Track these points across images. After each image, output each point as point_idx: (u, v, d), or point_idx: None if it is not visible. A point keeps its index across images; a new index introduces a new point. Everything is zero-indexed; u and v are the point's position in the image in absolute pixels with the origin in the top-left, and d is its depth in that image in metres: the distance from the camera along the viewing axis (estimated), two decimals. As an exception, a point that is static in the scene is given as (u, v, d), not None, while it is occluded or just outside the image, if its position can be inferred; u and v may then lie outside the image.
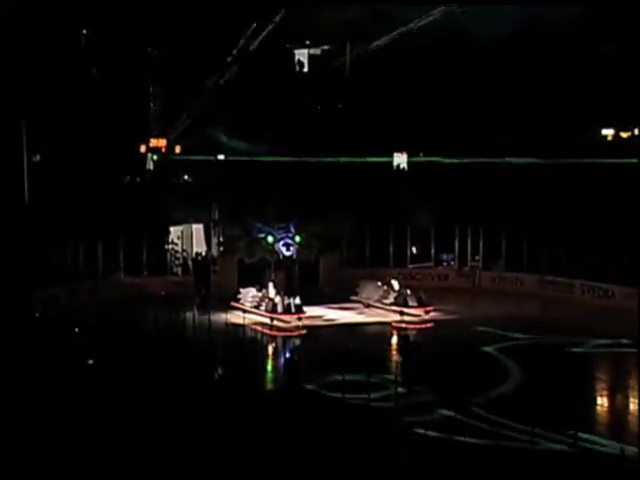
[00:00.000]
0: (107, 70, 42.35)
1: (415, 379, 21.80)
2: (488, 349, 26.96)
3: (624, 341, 26.55)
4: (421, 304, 32.05)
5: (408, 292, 32.46)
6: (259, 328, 30.07)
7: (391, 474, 15.81)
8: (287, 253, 36.73)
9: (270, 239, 36.59)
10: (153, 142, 43.67)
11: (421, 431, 17.97)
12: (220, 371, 22.44)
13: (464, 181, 41.19)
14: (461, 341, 27.91)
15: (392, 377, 21.95)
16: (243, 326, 28.74)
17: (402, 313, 31.67)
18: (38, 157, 39.93)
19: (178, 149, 44.12)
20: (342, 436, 17.08)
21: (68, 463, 15.67)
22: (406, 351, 24.03)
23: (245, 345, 26.47)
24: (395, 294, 32.86)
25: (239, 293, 33.31)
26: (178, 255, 39.39)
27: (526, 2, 35.17)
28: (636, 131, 44.98)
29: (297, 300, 30.84)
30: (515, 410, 19.43)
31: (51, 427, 16.99)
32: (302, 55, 45.13)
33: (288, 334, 29.72)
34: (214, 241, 39.51)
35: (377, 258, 39.06)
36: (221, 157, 44.64)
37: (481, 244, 38.85)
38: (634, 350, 22.77)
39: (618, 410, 21.77)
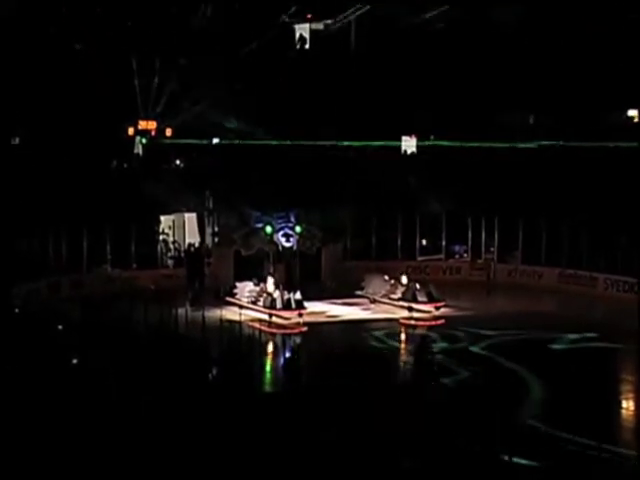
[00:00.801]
0: (92, 46, 42.16)
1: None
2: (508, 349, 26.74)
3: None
4: (431, 299, 31.97)
5: (417, 286, 32.39)
6: (257, 325, 29.94)
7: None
8: (287, 244, 36.69)
9: (268, 229, 36.53)
10: (142, 124, 43.51)
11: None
12: (215, 372, 22.31)
13: (478, 167, 41.02)
14: (475, 342, 27.71)
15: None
16: (239, 323, 28.64)
17: (411, 309, 31.62)
18: (17, 140, 39.85)
19: (169, 132, 43.96)
20: (344, 441, 16.94)
21: (49, 466, 15.60)
22: (421, 355, 23.64)
23: (242, 343, 26.33)
24: (403, 289, 32.80)
25: (235, 287, 33.23)
26: (170, 246, 39.32)
27: None
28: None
29: (297, 295, 30.73)
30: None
31: (32, 430, 16.90)
32: (304, 30, 44.89)
33: (288, 332, 29.63)
34: (208, 231, 39.46)
35: (384, 250, 38.99)
36: (216, 141, 44.49)
37: (496, 235, 38.76)
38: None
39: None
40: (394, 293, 33.06)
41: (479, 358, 25.67)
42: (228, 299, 32.60)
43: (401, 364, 24.94)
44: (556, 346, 27.19)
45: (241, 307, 31.56)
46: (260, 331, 29.20)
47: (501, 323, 29.80)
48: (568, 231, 36.29)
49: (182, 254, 38.86)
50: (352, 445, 16.76)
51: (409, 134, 44.88)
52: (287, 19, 44.46)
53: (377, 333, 29.00)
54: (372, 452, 16.56)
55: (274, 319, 30.63)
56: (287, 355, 24.38)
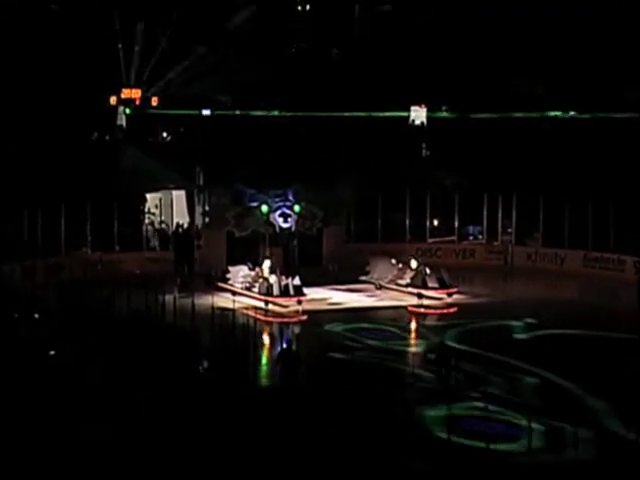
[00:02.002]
0: (70, 6, 42.03)
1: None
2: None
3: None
4: (443, 285, 31.96)
5: (427, 271, 32.36)
6: (252, 313, 29.90)
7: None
8: (284, 225, 36.61)
9: (264, 208, 36.45)
10: (125, 93, 43.46)
11: None
12: (206, 364, 22.26)
13: (494, 139, 40.90)
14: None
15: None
16: (233, 311, 28.55)
17: (420, 296, 31.55)
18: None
19: (155, 101, 43.90)
20: (347, 439, 16.97)
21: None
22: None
23: (235, 333, 26.25)
24: (412, 273, 32.78)
25: (228, 272, 33.19)
26: (156, 227, 39.23)
27: None
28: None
29: (296, 280, 30.69)
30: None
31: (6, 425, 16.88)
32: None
33: (286, 320, 29.57)
34: (198, 211, 39.38)
35: (391, 231, 38.91)
36: (207, 112, 44.43)
37: (514, 214, 38.63)
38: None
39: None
40: (402, 278, 33.03)
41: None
42: (220, 285, 32.54)
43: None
44: (581, 336, 27.00)
45: (234, 294, 31.49)
46: (255, 320, 29.13)
47: (519, 312, 29.65)
48: (594, 210, 36.13)
49: (170, 235, 38.77)
50: (352, 445, 16.72)
51: (418, 104, 44.81)
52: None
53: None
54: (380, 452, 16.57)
55: (271, 307, 30.57)
56: (284, 346, 24.21)
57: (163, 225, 39.31)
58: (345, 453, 16.50)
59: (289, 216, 36.63)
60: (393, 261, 33.99)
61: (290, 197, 36.67)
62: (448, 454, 17.02)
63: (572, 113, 42.92)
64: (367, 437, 17.35)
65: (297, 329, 28.55)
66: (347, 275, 34.52)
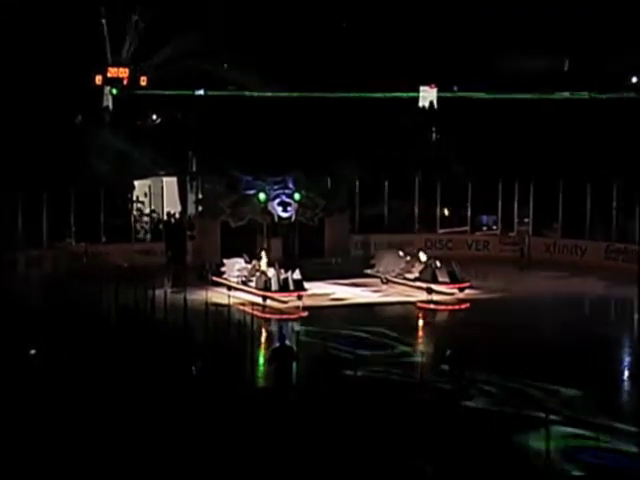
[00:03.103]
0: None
1: None
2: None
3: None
4: (454, 279, 31.94)
5: (437, 264, 32.36)
6: (248, 309, 29.90)
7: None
8: (284, 214, 36.64)
9: (262, 197, 36.49)
10: (112, 72, 43.42)
11: None
12: (199, 364, 22.26)
13: (509, 122, 40.88)
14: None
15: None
16: (228, 307, 28.58)
17: (430, 291, 31.56)
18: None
19: (144, 81, 43.84)
20: (346, 441, 16.96)
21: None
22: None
23: (231, 331, 26.28)
24: (421, 267, 32.78)
25: (223, 265, 33.19)
26: (145, 217, 39.29)
27: None
28: None
29: (296, 274, 30.68)
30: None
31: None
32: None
33: (285, 317, 29.58)
34: (191, 199, 39.44)
35: (398, 221, 38.93)
36: (200, 92, 44.42)
37: (531, 203, 38.65)
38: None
39: None
40: (410, 272, 33.04)
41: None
42: (214, 279, 32.56)
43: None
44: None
45: (230, 288, 31.53)
46: (252, 316, 29.15)
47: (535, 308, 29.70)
48: (617, 198, 36.13)
49: (160, 226, 38.81)
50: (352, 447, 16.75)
51: (428, 84, 44.80)
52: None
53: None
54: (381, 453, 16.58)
55: (269, 302, 30.59)
56: (280, 344, 24.22)
57: (153, 215, 39.36)
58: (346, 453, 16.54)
59: (289, 205, 36.63)
60: (400, 253, 34.00)
61: (290, 184, 36.66)
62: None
63: (596, 95, 42.93)
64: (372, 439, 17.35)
65: (296, 326, 28.57)
66: (351, 268, 34.55)
